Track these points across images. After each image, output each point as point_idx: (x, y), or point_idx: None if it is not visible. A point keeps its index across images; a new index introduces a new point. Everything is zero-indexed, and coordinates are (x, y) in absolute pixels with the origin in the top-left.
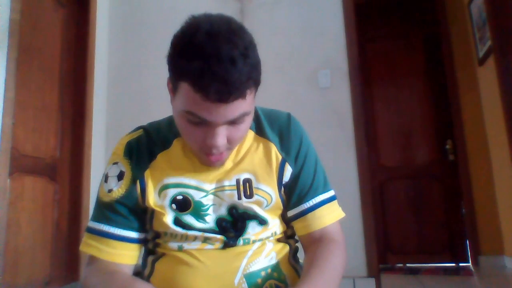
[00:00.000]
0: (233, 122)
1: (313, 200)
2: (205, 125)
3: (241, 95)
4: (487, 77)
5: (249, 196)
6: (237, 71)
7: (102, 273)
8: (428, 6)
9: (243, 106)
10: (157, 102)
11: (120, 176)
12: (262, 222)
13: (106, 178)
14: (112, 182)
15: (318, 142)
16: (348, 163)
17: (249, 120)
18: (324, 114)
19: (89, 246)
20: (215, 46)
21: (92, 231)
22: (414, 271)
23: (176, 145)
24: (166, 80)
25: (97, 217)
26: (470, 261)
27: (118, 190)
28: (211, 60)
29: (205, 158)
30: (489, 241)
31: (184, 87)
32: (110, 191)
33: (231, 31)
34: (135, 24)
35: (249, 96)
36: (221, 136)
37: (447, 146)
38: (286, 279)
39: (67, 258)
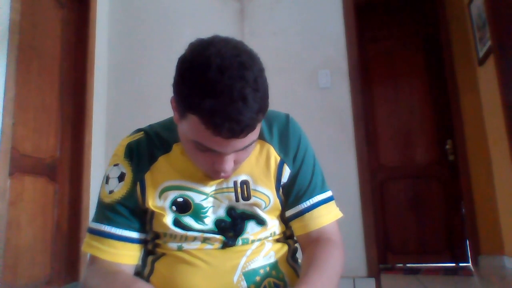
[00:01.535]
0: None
1: (310, 200)
2: (214, 152)
3: (252, 129)
4: (487, 77)
5: (247, 198)
6: (249, 110)
7: (103, 273)
8: (428, 7)
9: (253, 135)
10: (157, 102)
11: (121, 178)
12: (261, 222)
13: (107, 179)
14: (113, 183)
15: (318, 142)
16: (348, 163)
17: (255, 141)
18: (324, 114)
19: (90, 247)
20: (227, 84)
21: (94, 232)
22: (414, 271)
23: (175, 150)
24: (166, 81)
25: (98, 218)
26: (470, 261)
27: (119, 191)
28: (223, 99)
29: (211, 175)
30: (489, 241)
31: (193, 119)
32: (111, 192)
33: (241, 64)
34: (135, 24)
35: (258, 125)
36: (230, 162)
37: (447, 146)
38: (285, 277)
39: (67, 258)
